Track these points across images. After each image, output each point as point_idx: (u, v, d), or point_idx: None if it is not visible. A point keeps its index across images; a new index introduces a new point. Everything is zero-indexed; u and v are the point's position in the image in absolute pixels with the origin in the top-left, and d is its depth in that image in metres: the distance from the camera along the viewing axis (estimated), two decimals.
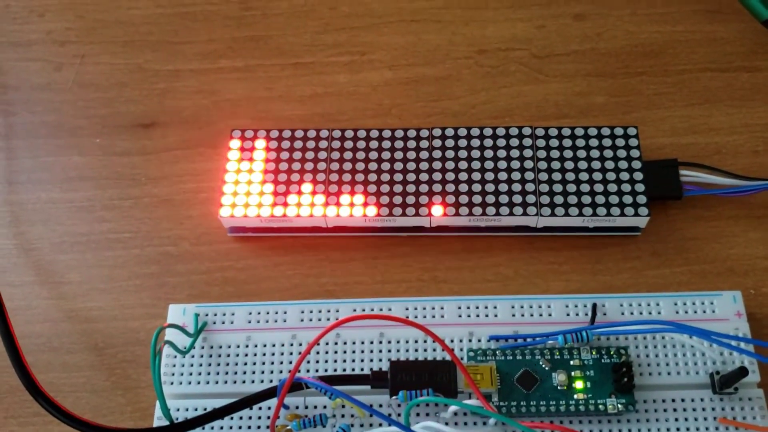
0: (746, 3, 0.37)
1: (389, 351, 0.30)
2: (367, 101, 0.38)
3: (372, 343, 0.30)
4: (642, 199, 0.32)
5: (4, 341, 0.28)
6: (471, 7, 0.40)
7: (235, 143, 0.34)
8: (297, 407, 0.29)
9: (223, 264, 0.34)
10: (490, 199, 0.32)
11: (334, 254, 0.34)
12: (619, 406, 0.28)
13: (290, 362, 0.30)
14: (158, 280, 0.34)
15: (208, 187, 0.35)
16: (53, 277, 0.34)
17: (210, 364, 0.30)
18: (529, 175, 0.33)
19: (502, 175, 0.33)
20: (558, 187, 0.32)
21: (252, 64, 0.39)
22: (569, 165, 0.33)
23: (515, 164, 0.33)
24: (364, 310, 0.31)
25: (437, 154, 0.34)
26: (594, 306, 0.30)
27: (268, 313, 0.31)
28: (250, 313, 0.31)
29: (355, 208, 0.33)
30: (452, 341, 0.30)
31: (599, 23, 0.39)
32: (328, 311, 0.31)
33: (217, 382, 0.30)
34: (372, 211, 0.33)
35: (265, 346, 0.30)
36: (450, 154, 0.34)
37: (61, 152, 0.37)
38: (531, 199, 0.32)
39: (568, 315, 0.30)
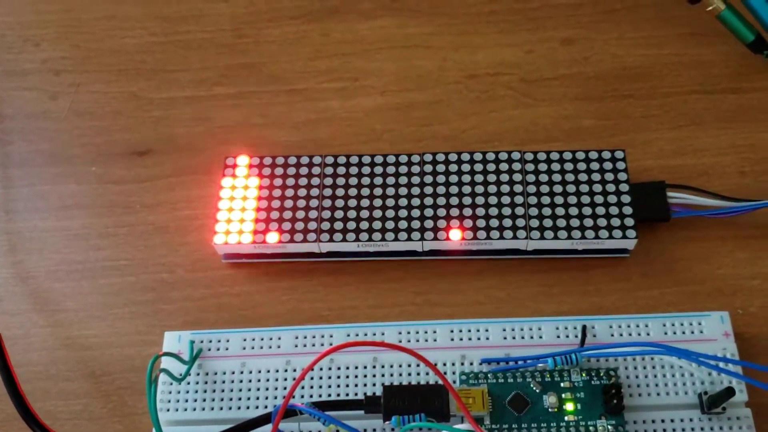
0: (731, 26, 0.37)
1: (383, 375, 0.30)
2: (360, 127, 0.38)
3: (365, 367, 0.30)
4: (630, 221, 0.32)
5: (1, 370, 0.29)
6: (460, 33, 0.41)
7: (228, 171, 0.35)
8: None
9: (217, 290, 0.34)
10: (481, 223, 0.33)
11: (327, 279, 0.34)
12: (609, 427, 0.28)
13: (285, 387, 0.30)
14: (154, 307, 0.34)
15: (202, 213, 0.36)
16: (50, 305, 0.34)
17: (206, 391, 0.30)
18: (519, 199, 0.33)
19: (493, 199, 0.33)
20: (547, 211, 0.33)
21: (245, 91, 0.40)
22: (558, 188, 0.33)
23: (505, 188, 0.34)
24: (357, 335, 0.31)
25: (428, 179, 0.34)
26: (584, 328, 0.30)
27: (262, 339, 0.31)
28: (245, 340, 0.31)
29: (348, 234, 0.33)
30: (445, 365, 0.30)
31: (586, 47, 0.40)
32: (322, 336, 0.31)
33: (212, 409, 0.30)
34: (364, 236, 0.33)
35: (260, 372, 0.31)
36: (441, 179, 0.34)
37: (57, 180, 0.38)
38: (521, 222, 0.33)
39: (558, 337, 0.31)
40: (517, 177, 0.34)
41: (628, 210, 0.32)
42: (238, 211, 0.34)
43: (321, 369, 0.30)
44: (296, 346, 0.31)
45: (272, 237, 0.33)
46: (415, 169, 0.35)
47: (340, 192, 0.34)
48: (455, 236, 0.33)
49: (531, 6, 0.41)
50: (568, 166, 0.34)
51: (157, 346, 0.32)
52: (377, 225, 0.33)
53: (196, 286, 0.34)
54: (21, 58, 0.42)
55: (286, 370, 0.31)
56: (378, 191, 0.34)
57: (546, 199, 0.33)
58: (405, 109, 0.39)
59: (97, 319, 0.34)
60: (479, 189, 0.34)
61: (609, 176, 0.33)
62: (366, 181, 0.34)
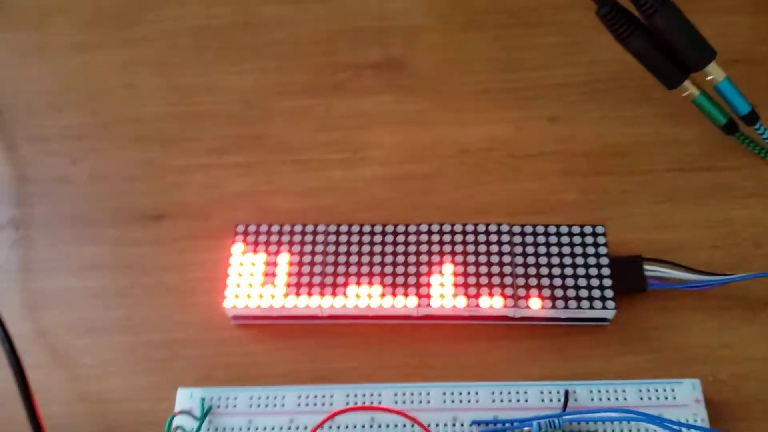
0: (705, 110, 0.40)
1: None
2: (361, 195, 0.41)
3: (363, 427, 0.33)
4: (609, 293, 0.35)
5: (31, 425, 0.31)
6: (455, 110, 0.44)
7: (239, 237, 0.38)
8: None
9: (226, 349, 0.37)
10: (472, 291, 0.36)
11: (329, 341, 0.37)
12: None
13: None
14: (166, 364, 0.36)
15: (212, 276, 0.38)
16: (68, 360, 0.37)
17: None
18: (507, 269, 0.36)
19: (483, 269, 0.36)
20: (533, 281, 0.36)
21: (254, 161, 0.43)
22: (543, 260, 0.36)
23: (494, 258, 0.36)
24: (356, 395, 0.33)
25: (424, 248, 0.37)
26: (566, 393, 0.33)
27: (267, 397, 0.34)
28: (251, 398, 0.34)
29: (349, 299, 0.36)
30: (437, 426, 0.33)
31: (571, 125, 0.43)
32: (323, 396, 0.34)
33: None
34: (364, 300, 0.36)
35: (265, 429, 0.33)
36: (436, 248, 0.37)
37: (77, 242, 0.40)
38: (509, 291, 0.35)
39: (542, 400, 0.33)
40: (506, 248, 0.37)
41: (607, 282, 0.35)
42: (247, 275, 0.37)
43: (322, 428, 0.33)
44: (299, 405, 0.34)
45: (278, 300, 0.36)
46: (412, 238, 0.37)
47: (342, 259, 0.37)
48: (449, 303, 0.35)
49: (521, 86, 0.44)
50: (553, 239, 0.37)
51: (169, 401, 0.34)
52: (376, 290, 0.36)
53: (207, 345, 0.37)
54: (44, 124, 0.45)
55: (290, 428, 0.33)
56: (377, 258, 0.37)
57: (532, 270, 0.36)
58: (403, 179, 0.42)
59: (114, 374, 0.36)
60: (471, 258, 0.37)
61: (590, 250, 0.36)
62: (366, 248, 0.37)
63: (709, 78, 0.39)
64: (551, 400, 0.33)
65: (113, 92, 0.46)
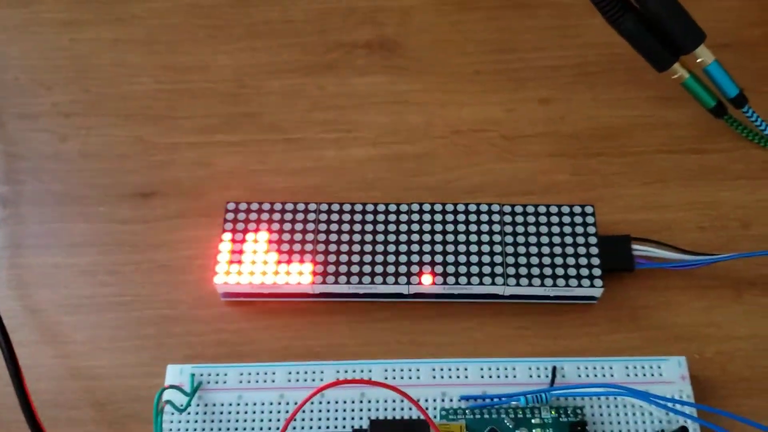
0: (694, 92, 0.41)
1: (369, 410, 0.33)
2: (353, 175, 0.41)
3: (353, 402, 0.33)
4: (597, 271, 0.35)
5: (21, 401, 0.31)
6: (447, 91, 0.44)
7: (230, 215, 0.38)
8: None
9: (216, 326, 0.37)
10: (463, 269, 0.36)
11: (319, 318, 0.37)
12: None
13: (278, 419, 0.33)
14: (156, 340, 0.36)
15: (203, 254, 0.38)
16: (58, 337, 0.37)
17: (205, 421, 0.33)
18: (498, 248, 0.36)
19: (473, 248, 0.36)
20: (522, 260, 0.36)
21: (246, 139, 0.43)
22: (533, 239, 0.36)
23: (485, 237, 0.37)
24: (346, 372, 0.34)
25: (415, 227, 0.37)
26: (554, 369, 0.33)
27: (258, 373, 0.34)
28: (242, 374, 0.34)
29: (340, 276, 0.36)
30: (426, 401, 0.33)
31: (563, 107, 0.43)
32: (314, 372, 0.34)
33: None
34: (355, 279, 0.36)
35: (255, 404, 0.33)
36: (427, 227, 0.37)
37: (66, 219, 0.40)
38: (499, 270, 0.36)
39: (531, 376, 0.34)
40: (496, 228, 0.37)
41: (595, 261, 0.35)
42: (237, 253, 0.37)
43: (312, 403, 0.33)
44: (289, 381, 0.34)
45: (269, 278, 0.36)
46: (404, 217, 0.37)
47: (333, 237, 0.37)
48: (439, 281, 0.36)
49: (513, 67, 0.44)
50: (543, 219, 0.37)
51: (159, 377, 0.34)
52: (367, 269, 0.36)
53: (197, 322, 0.37)
54: (33, 102, 0.44)
55: (279, 403, 0.33)
56: (368, 237, 0.37)
57: (522, 249, 0.36)
58: (395, 160, 0.42)
59: (104, 351, 0.36)
60: (461, 237, 0.37)
61: (579, 229, 0.36)
62: (357, 227, 0.37)
63: (698, 61, 0.39)
64: (539, 377, 0.33)
65: (103, 70, 0.45)
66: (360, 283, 0.36)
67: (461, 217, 0.37)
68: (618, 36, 0.39)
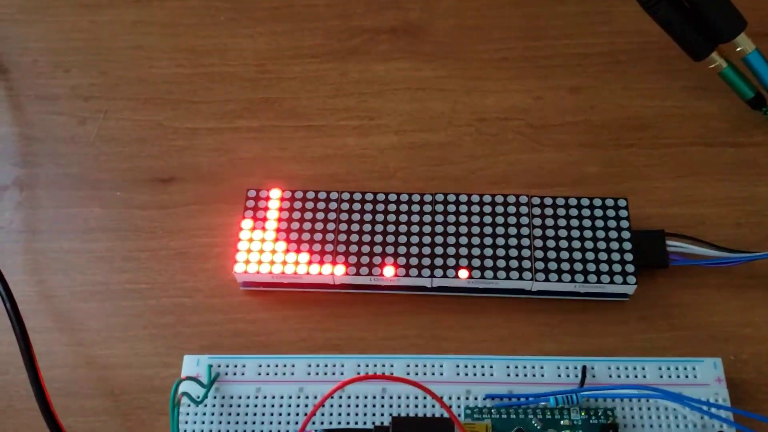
0: (732, 83, 0.39)
1: (391, 406, 0.32)
2: (374, 164, 0.40)
3: (375, 398, 0.32)
4: (630, 267, 0.34)
5: (34, 389, 0.30)
6: (473, 78, 0.42)
7: (250, 202, 0.37)
8: None
9: (234, 316, 0.36)
10: (489, 263, 0.35)
11: (339, 310, 0.36)
12: None
13: (297, 414, 0.32)
14: (172, 330, 0.35)
15: (222, 242, 0.37)
16: (72, 324, 0.36)
17: (222, 414, 0.32)
18: (525, 242, 0.35)
19: (500, 241, 0.35)
20: (552, 254, 0.34)
21: (267, 125, 0.41)
22: (563, 233, 0.35)
23: (512, 230, 0.35)
24: (367, 366, 0.33)
25: (439, 218, 0.36)
26: (584, 368, 0.32)
27: (276, 366, 0.33)
28: (260, 366, 0.33)
29: (362, 267, 0.35)
30: (450, 398, 0.32)
31: (593, 96, 0.42)
32: (334, 365, 0.33)
33: None
34: (377, 270, 0.35)
35: (273, 398, 0.32)
36: (451, 218, 0.36)
37: (83, 204, 0.39)
38: (526, 264, 0.34)
39: (559, 376, 0.32)
40: (524, 220, 0.36)
41: (629, 257, 0.34)
42: (257, 241, 0.36)
43: (332, 397, 0.32)
44: (309, 374, 0.33)
45: (289, 268, 0.35)
46: (427, 208, 0.36)
47: (355, 227, 0.36)
48: (463, 274, 0.34)
49: (541, 54, 0.43)
50: (573, 212, 0.36)
51: (175, 368, 0.34)
52: (389, 260, 0.35)
53: (214, 311, 0.36)
54: (51, 84, 0.44)
55: (299, 397, 0.32)
56: (391, 228, 0.36)
57: (551, 243, 0.35)
58: (418, 148, 0.40)
59: (118, 339, 0.35)
60: (488, 230, 0.35)
61: (612, 223, 0.35)
62: (380, 217, 0.36)
63: (738, 49, 0.38)
64: (568, 376, 0.32)
65: (122, 53, 0.45)
66: (382, 275, 0.35)
67: (487, 209, 0.36)
68: (649, 23, 0.38)
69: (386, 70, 0.43)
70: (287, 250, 0.35)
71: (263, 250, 0.35)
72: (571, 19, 0.44)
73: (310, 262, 0.35)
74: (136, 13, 0.46)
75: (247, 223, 0.36)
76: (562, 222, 0.35)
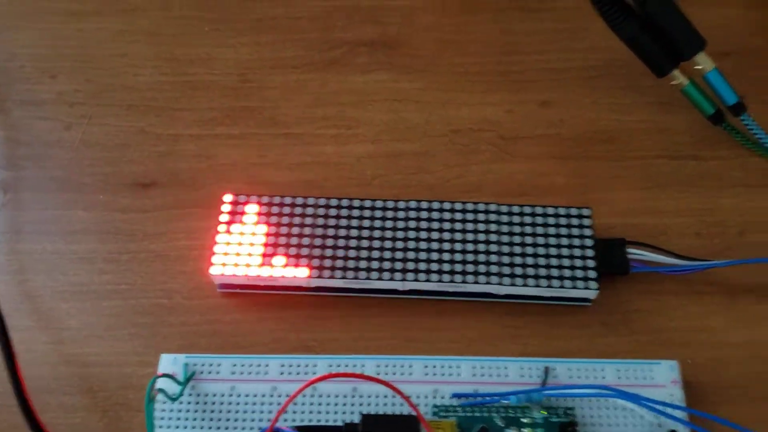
0: (693, 99, 0.41)
1: (361, 405, 0.33)
2: (352, 171, 0.41)
3: (345, 396, 0.33)
4: (592, 273, 0.35)
5: (13, 386, 0.31)
6: (448, 90, 0.44)
7: (227, 207, 0.38)
8: None
9: (211, 317, 0.37)
10: (458, 267, 0.36)
11: (314, 312, 0.37)
12: None
13: (270, 412, 0.33)
14: (151, 330, 0.36)
15: (200, 245, 0.39)
16: (54, 323, 0.37)
17: (197, 411, 0.33)
18: (494, 247, 0.36)
19: (470, 246, 0.36)
20: (518, 260, 0.36)
21: (247, 132, 0.43)
22: (529, 240, 0.36)
23: (482, 236, 0.37)
24: (339, 366, 0.34)
25: (412, 224, 0.37)
26: (546, 369, 0.33)
27: (251, 365, 0.34)
28: (235, 365, 0.34)
29: (336, 271, 0.36)
30: (418, 397, 0.33)
31: (562, 110, 0.43)
32: (306, 365, 0.34)
33: (203, 428, 0.32)
34: (350, 273, 0.36)
35: (247, 396, 0.33)
36: (424, 225, 0.37)
37: (66, 206, 0.40)
38: (494, 269, 0.36)
39: (522, 376, 0.34)
40: (493, 227, 0.37)
41: (591, 263, 0.36)
42: (234, 244, 0.37)
43: (304, 396, 0.33)
44: (282, 373, 0.34)
45: (265, 270, 0.36)
46: (401, 214, 0.38)
47: (331, 232, 0.37)
48: (434, 278, 0.36)
49: (514, 69, 0.45)
50: (540, 220, 0.37)
51: (152, 366, 0.35)
52: (363, 264, 0.36)
53: (192, 312, 0.37)
54: (38, 89, 0.45)
55: (272, 395, 0.33)
56: (365, 233, 0.37)
57: (518, 249, 0.36)
58: (394, 157, 0.42)
59: (98, 338, 0.36)
60: (458, 236, 0.37)
61: (576, 231, 0.37)
62: (355, 223, 0.37)
63: (698, 68, 0.39)
64: (531, 377, 0.34)
65: (108, 60, 0.46)
66: (355, 278, 0.36)
67: (458, 216, 0.37)
68: (619, 41, 0.39)
69: (365, 81, 0.44)
70: (264, 254, 0.36)
71: (240, 253, 0.36)
72: (546, 36, 0.46)
73: (285, 265, 0.36)
74: (122, 21, 0.47)
75: (223, 227, 0.37)
76: (528, 229, 0.37)
